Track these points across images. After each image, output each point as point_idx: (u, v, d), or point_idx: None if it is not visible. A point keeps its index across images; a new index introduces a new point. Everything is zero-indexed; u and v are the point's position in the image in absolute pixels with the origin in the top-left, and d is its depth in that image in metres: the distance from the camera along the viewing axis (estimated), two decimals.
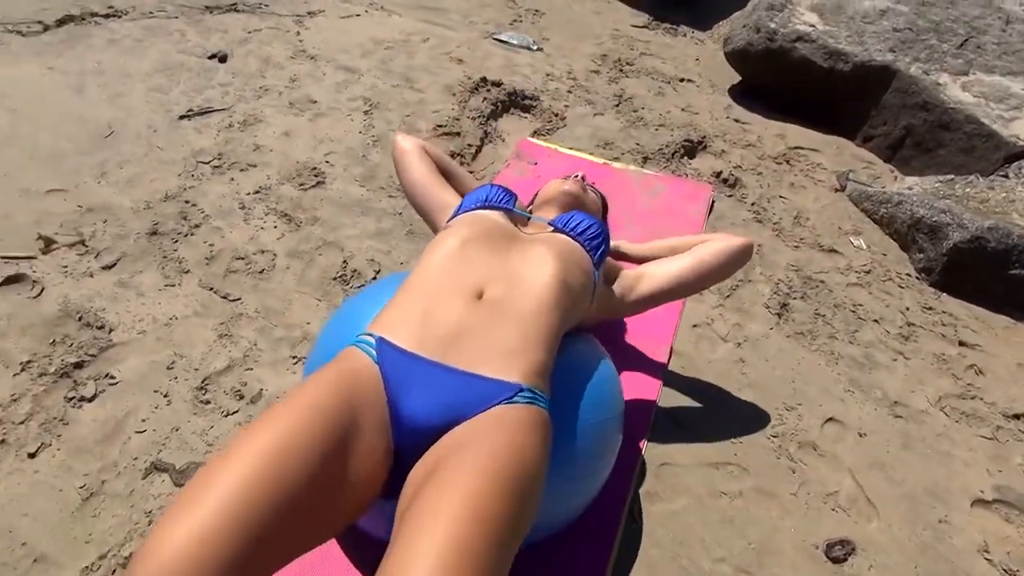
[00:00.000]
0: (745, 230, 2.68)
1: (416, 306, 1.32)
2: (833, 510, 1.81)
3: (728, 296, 2.39)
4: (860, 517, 1.81)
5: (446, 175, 1.91)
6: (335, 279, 2.23)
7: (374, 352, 1.26)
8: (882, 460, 1.96)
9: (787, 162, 3.12)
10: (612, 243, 1.93)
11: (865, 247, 2.76)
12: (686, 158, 3.00)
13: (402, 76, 3.24)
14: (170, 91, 2.93)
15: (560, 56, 3.58)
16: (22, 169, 2.45)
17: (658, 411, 1.97)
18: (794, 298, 2.44)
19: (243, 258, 2.25)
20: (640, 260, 1.92)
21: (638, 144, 3.02)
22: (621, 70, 3.52)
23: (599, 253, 1.60)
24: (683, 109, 3.30)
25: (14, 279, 2.07)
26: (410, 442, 1.20)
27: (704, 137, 3.11)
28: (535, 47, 3.59)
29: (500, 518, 0.99)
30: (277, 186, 2.54)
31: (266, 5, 3.67)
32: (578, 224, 1.62)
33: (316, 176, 2.61)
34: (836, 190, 3.01)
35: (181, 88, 2.95)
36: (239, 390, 1.87)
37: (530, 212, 1.79)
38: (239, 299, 2.12)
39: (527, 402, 1.21)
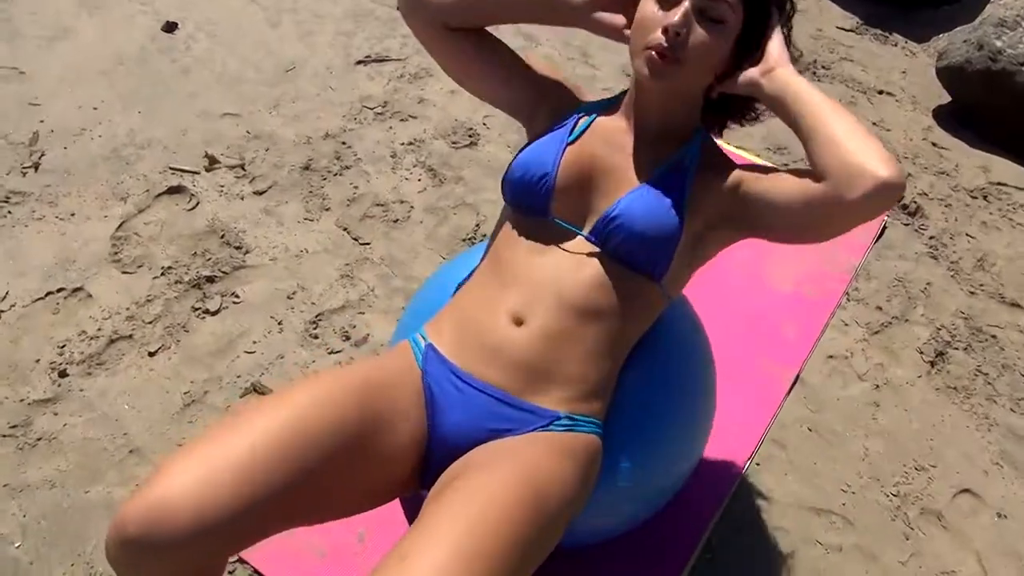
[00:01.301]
0: (916, 264, 2.41)
1: (464, 315, 1.25)
2: None
3: (876, 332, 2.15)
4: None
5: (498, 20, 1.27)
6: (464, 240, 2.22)
7: (420, 356, 1.22)
8: (1020, 551, 1.70)
9: (984, 198, 2.76)
10: (745, 76, 1.17)
11: None
12: None
13: (580, 50, 3.16)
14: (354, 36, 3.02)
15: None
16: (207, 90, 2.61)
17: (766, 440, 1.81)
18: (955, 348, 2.16)
19: (382, 205, 2.29)
20: (771, 107, 1.19)
21: None
22: (814, 73, 3.25)
23: (658, 268, 1.20)
24: (875, 123, 3.00)
25: (176, 190, 2.22)
26: (441, 450, 1.17)
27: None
28: None
29: (517, 533, 0.94)
30: (431, 140, 2.56)
31: None
32: (622, 242, 1.19)
33: (470, 136, 2.60)
34: None
35: (365, 35, 3.04)
36: (347, 331, 1.91)
37: (573, 209, 1.24)
38: (368, 244, 2.16)
39: (565, 429, 1.16)
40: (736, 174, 1.22)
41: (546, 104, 1.31)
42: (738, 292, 2.15)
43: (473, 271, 1.35)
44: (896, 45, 3.62)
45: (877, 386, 2.01)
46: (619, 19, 1.21)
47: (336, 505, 1.10)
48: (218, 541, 0.93)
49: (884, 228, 2.52)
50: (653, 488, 1.38)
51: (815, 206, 1.10)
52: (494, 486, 0.98)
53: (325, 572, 1.45)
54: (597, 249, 1.21)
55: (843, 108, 1.13)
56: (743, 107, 1.30)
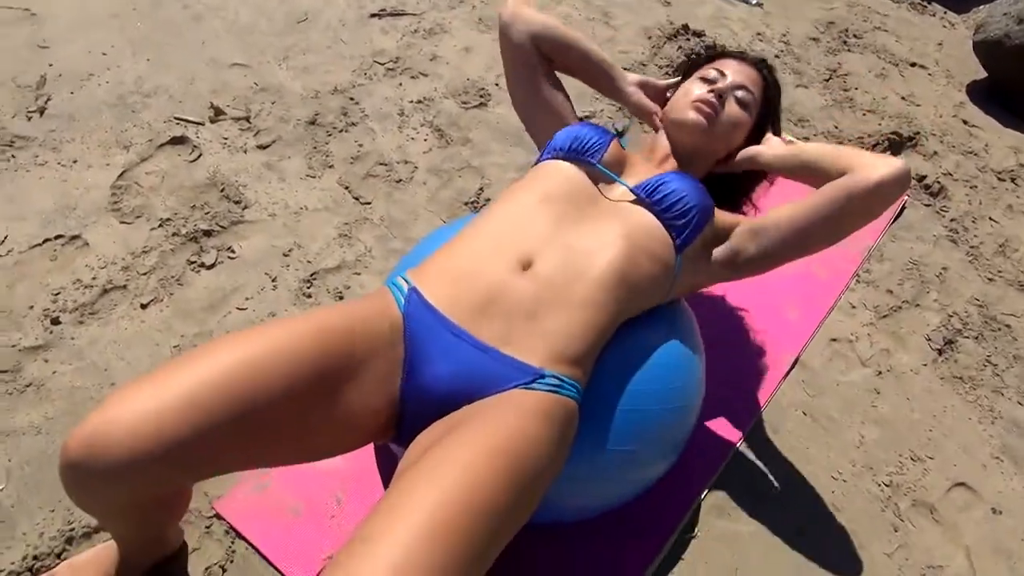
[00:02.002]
0: (933, 248, 2.34)
1: (459, 262, 1.24)
2: None
3: (885, 316, 2.10)
4: None
5: (571, 63, 1.59)
6: (466, 204, 2.19)
7: (403, 300, 1.20)
8: (1011, 548, 1.67)
9: (1012, 180, 2.67)
10: (744, 153, 1.54)
11: None
12: (888, 153, 2.64)
13: (600, 10, 3.08)
14: None
15: (780, 16, 3.25)
16: (217, 39, 2.58)
17: (758, 423, 1.78)
18: (966, 336, 2.10)
19: (386, 164, 2.26)
20: (774, 172, 1.53)
21: (836, 127, 2.69)
22: (845, 42, 3.13)
23: (684, 235, 1.34)
24: (903, 97, 2.90)
25: (179, 140, 2.20)
26: (419, 401, 1.15)
27: (917, 133, 2.71)
28: (755, 1, 3.28)
29: (490, 503, 0.92)
30: (441, 99, 2.52)
31: None
32: (665, 197, 1.35)
33: (481, 97, 2.55)
34: None
35: None
36: (341, 292, 1.90)
37: (621, 167, 1.47)
38: (369, 203, 2.14)
39: (548, 389, 1.12)
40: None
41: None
42: None
43: (468, 224, 1.35)
44: (935, 15, 3.49)
45: (880, 372, 1.96)
46: (655, 106, 1.59)
47: (297, 447, 1.09)
48: (162, 468, 0.94)
49: (903, 209, 2.44)
50: (630, 465, 1.36)
51: (839, 199, 1.34)
52: (467, 456, 0.96)
53: (299, 530, 1.45)
54: (634, 197, 1.37)
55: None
56: (732, 189, 1.63)
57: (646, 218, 1.34)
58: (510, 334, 1.15)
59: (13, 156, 2.06)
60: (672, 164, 1.53)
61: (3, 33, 2.42)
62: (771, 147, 1.52)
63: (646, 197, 1.36)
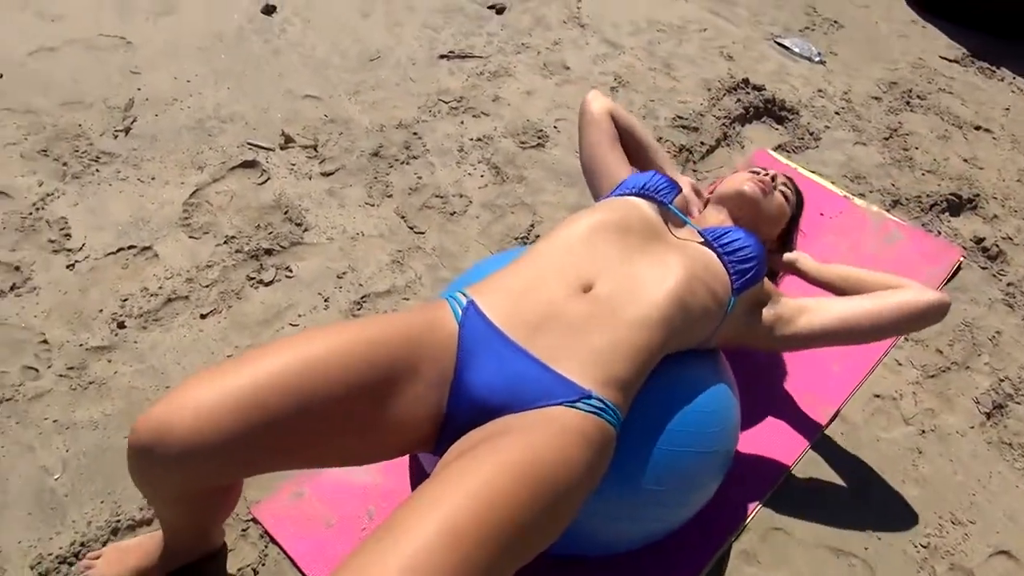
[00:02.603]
0: (988, 311, 2.30)
1: (520, 281, 1.29)
2: None
3: (932, 376, 2.06)
4: None
5: (634, 147, 1.80)
6: (516, 239, 2.25)
7: (460, 312, 1.25)
8: None
9: None
10: (789, 256, 1.74)
11: None
12: (947, 214, 2.61)
13: (663, 61, 3.14)
14: (441, 31, 3.09)
15: (842, 74, 3.26)
16: (293, 72, 2.73)
17: (793, 472, 1.77)
18: (1018, 402, 2.05)
19: (442, 196, 2.34)
20: (814, 283, 1.70)
21: (894, 185, 2.68)
22: (908, 102, 3.12)
23: (744, 279, 1.43)
24: (966, 160, 2.87)
25: (250, 164, 2.33)
26: (464, 411, 1.18)
27: (978, 196, 2.68)
28: (817, 59, 3.31)
29: (512, 518, 0.93)
30: (500, 138, 2.60)
31: None
32: (731, 242, 1.45)
33: (539, 138, 2.63)
34: None
35: (451, 30, 3.11)
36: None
37: (691, 207, 1.65)
38: (423, 233, 2.22)
39: (591, 411, 1.14)
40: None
41: None
42: None
43: (531, 247, 1.41)
44: (1003, 80, 3.45)
45: (923, 432, 1.93)
46: (700, 204, 1.71)
47: (344, 449, 1.13)
48: (217, 462, 1.00)
49: (958, 269, 2.41)
50: (657, 506, 1.37)
51: (891, 311, 1.51)
52: (495, 467, 0.97)
53: (330, 541, 1.50)
54: (701, 239, 1.47)
55: None
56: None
57: (709, 256, 1.42)
58: (561, 351, 1.18)
59: (98, 170, 2.21)
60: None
61: (100, 58, 2.60)
62: (807, 261, 1.71)
63: (712, 240, 1.45)
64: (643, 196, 1.52)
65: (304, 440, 1.06)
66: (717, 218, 1.63)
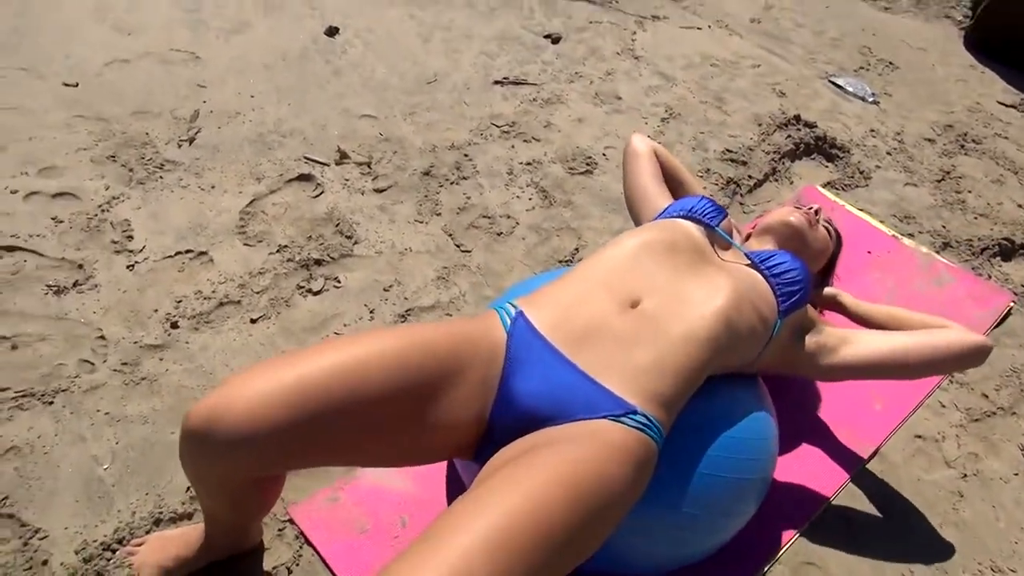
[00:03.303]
0: None
1: (568, 294, 1.31)
2: None
3: (977, 420, 2.02)
4: None
5: (676, 183, 1.85)
6: (560, 262, 2.27)
7: (509, 322, 1.28)
8: None
9: None
10: (830, 290, 1.75)
11: None
12: (998, 259, 2.57)
13: (715, 95, 3.16)
14: (497, 58, 3.16)
15: (896, 115, 3.24)
16: (352, 92, 2.81)
17: (829, 508, 1.74)
18: None
19: (489, 217, 2.38)
20: (854, 318, 1.71)
21: (944, 227, 2.64)
22: (962, 146, 3.09)
23: (790, 302, 1.44)
24: (1020, 205, 2.82)
25: (306, 177, 2.40)
26: (507, 418, 1.20)
27: None
28: (871, 99, 3.29)
29: (556, 530, 0.95)
30: (549, 163, 2.64)
31: (616, 1, 3.78)
32: (777, 264, 1.47)
33: (588, 164, 2.66)
34: None
35: (507, 57, 3.17)
36: None
37: (733, 236, 1.66)
38: (469, 251, 2.26)
39: (636, 427, 1.15)
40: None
41: None
42: None
43: (580, 263, 1.43)
44: None
45: (965, 476, 1.89)
46: (740, 239, 1.71)
47: (386, 449, 1.16)
48: (266, 451, 1.04)
49: (1008, 313, 2.36)
50: (690, 530, 1.36)
51: (939, 349, 1.51)
52: (538, 479, 0.99)
53: (363, 546, 1.52)
54: (748, 261, 1.49)
55: None
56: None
57: (756, 278, 1.44)
58: (607, 365, 1.20)
59: (161, 177, 2.30)
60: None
61: (170, 71, 2.72)
62: (849, 298, 1.74)
63: (759, 262, 1.47)
64: (690, 219, 1.54)
65: (350, 437, 1.09)
66: (762, 247, 1.64)
